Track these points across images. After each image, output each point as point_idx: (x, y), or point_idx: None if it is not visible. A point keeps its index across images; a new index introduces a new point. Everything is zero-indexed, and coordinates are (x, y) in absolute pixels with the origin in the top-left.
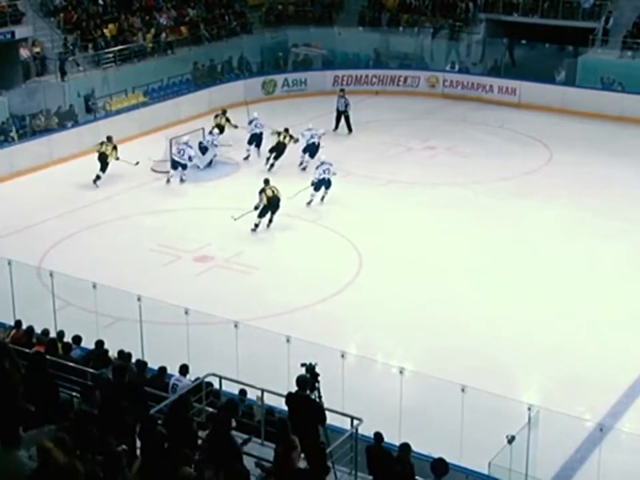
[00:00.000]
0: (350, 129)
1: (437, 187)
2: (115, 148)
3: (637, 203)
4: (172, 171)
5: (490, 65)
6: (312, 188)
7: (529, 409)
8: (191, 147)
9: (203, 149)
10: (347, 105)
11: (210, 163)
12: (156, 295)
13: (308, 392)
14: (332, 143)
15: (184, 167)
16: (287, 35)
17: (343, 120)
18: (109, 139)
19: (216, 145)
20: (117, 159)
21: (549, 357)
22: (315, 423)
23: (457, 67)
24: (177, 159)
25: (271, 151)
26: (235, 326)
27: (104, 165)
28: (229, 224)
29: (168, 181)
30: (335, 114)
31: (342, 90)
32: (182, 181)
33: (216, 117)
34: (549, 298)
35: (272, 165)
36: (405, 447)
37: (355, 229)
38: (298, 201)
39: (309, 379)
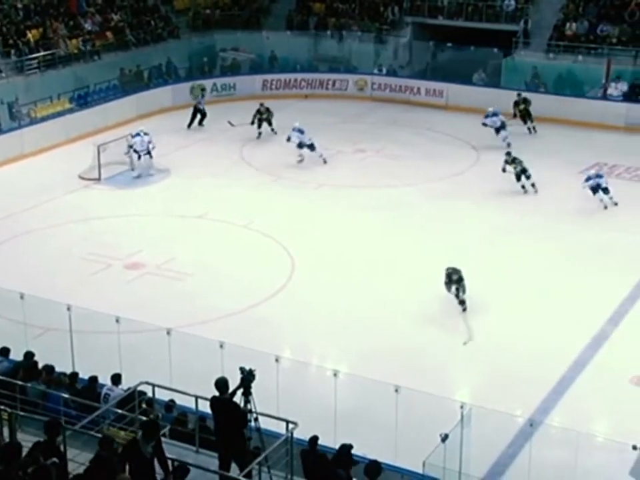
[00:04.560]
0: (202, 123)
1: (367, 190)
2: None
3: (564, 202)
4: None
5: (417, 67)
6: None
7: (462, 406)
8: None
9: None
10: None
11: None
12: (87, 304)
13: (243, 397)
14: (260, 148)
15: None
16: (214, 39)
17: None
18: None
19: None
20: None
21: (480, 354)
22: (239, 426)
23: (384, 70)
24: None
25: None
26: (168, 333)
27: None
28: (160, 230)
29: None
30: (192, 111)
31: (203, 89)
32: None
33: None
34: (478, 297)
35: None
36: (347, 447)
37: (286, 233)
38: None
39: (227, 381)
